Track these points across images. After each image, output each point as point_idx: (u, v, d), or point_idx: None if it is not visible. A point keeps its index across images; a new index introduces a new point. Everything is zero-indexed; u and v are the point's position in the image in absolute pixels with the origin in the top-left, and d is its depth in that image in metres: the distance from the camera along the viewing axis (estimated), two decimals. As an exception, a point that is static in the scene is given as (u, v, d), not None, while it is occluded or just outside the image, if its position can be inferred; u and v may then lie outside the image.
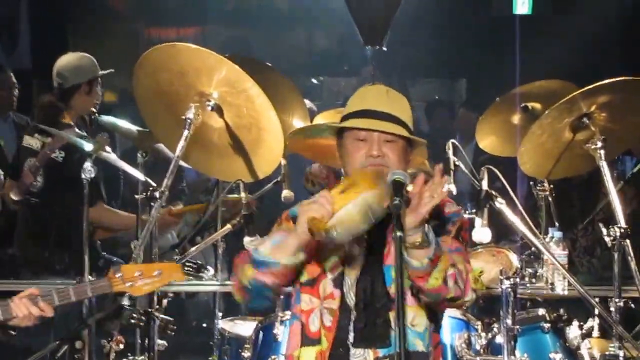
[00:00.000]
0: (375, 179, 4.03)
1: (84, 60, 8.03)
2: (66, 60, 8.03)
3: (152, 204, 5.76)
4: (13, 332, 5.02)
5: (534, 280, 6.35)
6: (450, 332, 5.50)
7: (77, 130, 7.60)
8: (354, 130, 4.30)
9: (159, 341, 6.08)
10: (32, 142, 7.88)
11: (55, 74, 7.96)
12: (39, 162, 7.77)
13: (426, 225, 4.05)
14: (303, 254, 4.20)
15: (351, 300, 4.29)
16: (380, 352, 4.23)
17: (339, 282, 4.31)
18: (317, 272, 4.33)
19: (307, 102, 7.75)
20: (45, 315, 4.75)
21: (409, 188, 3.99)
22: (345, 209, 3.99)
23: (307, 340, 4.38)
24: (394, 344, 4.05)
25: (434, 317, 4.38)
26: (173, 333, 6.22)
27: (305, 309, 4.36)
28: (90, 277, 6.12)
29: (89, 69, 7.97)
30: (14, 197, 8.01)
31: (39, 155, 7.78)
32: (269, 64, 7.52)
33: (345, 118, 4.38)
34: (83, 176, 6.07)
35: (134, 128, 7.33)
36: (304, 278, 4.37)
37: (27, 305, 4.73)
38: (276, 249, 4.24)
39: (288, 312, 5.40)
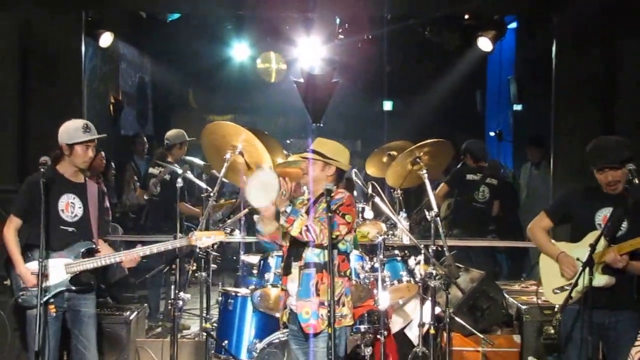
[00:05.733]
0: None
1: (179, 132, 8.76)
2: (171, 132, 8.82)
3: (209, 199, 6.55)
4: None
5: (393, 236, 6.98)
6: (354, 261, 5.85)
7: (175, 165, 8.22)
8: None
9: (212, 265, 6.95)
10: (153, 170, 8.65)
11: (165, 137, 8.77)
12: (157, 180, 8.53)
13: (289, 206, 4.81)
14: (272, 224, 4.96)
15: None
16: (302, 262, 4.94)
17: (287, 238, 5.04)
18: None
19: (284, 151, 7.90)
20: (137, 259, 5.65)
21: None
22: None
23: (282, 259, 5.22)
24: (305, 259, 4.91)
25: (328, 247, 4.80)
26: (219, 261, 7.16)
27: (285, 245, 5.14)
28: (180, 234, 6.34)
29: (182, 137, 8.70)
30: (146, 197, 8.82)
31: (157, 177, 8.53)
32: (266, 132, 7.85)
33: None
34: (177, 185, 6.76)
35: (201, 162, 8.20)
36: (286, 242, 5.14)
37: (129, 254, 5.64)
38: (260, 222, 5.07)
39: (274, 253, 6.05)
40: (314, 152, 5.08)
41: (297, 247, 4.99)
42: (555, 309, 5.22)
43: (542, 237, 5.47)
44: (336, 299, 4.87)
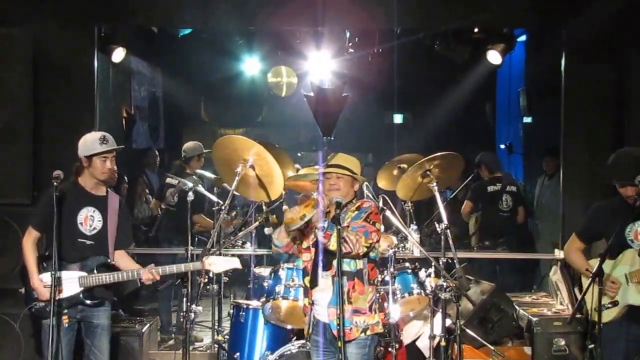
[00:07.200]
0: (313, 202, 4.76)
1: (197, 145, 8.93)
2: (189, 144, 8.98)
3: (219, 212, 6.75)
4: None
5: (404, 249, 6.92)
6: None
7: (193, 177, 8.28)
8: (325, 173, 5.07)
9: (224, 278, 7.10)
10: (171, 181, 8.62)
11: (183, 150, 8.96)
12: (176, 190, 8.60)
13: (325, 221, 4.76)
14: (289, 237, 5.04)
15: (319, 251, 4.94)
16: (333, 271, 4.83)
17: (313, 244, 5.02)
18: (308, 243, 5.10)
19: (295, 164, 7.81)
20: (156, 279, 5.64)
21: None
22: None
23: (305, 273, 5.20)
24: (335, 267, 4.73)
25: (360, 257, 4.94)
26: (230, 274, 7.22)
27: (306, 259, 5.14)
28: (191, 247, 6.68)
29: (199, 149, 8.87)
30: (163, 206, 8.95)
31: (176, 187, 8.53)
32: (277, 145, 7.74)
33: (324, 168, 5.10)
34: (188, 198, 6.96)
35: (212, 175, 8.11)
36: (305, 245, 5.14)
37: (150, 273, 5.61)
38: (279, 234, 5.09)
39: (284, 265, 6.24)
40: (341, 167, 5.15)
41: (326, 256, 4.98)
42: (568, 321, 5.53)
43: (578, 260, 5.59)
44: (368, 305, 5.00)
